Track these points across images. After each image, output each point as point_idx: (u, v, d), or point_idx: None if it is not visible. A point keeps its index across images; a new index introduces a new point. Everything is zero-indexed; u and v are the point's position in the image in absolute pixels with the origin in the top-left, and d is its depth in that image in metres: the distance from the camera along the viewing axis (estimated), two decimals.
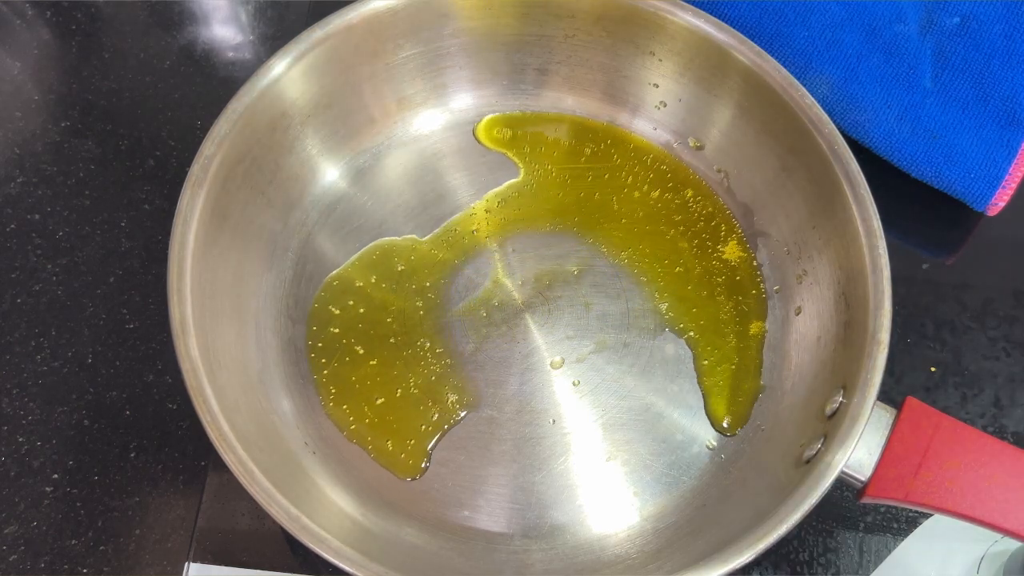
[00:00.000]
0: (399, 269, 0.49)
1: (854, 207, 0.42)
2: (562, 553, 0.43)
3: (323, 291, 0.48)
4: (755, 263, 0.49)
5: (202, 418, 0.37)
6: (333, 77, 0.48)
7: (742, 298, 0.48)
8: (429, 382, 0.46)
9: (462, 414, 0.45)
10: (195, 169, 0.42)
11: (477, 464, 0.44)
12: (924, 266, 0.52)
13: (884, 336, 0.39)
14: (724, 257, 0.49)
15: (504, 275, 0.49)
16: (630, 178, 0.52)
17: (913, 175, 0.52)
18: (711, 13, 0.47)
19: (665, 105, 0.52)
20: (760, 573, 0.45)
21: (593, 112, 0.53)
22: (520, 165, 0.52)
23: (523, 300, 0.48)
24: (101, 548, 0.44)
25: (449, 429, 0.45)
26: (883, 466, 0.38)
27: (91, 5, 0.60)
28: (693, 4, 0.47)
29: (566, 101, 0.53)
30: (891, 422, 0.38)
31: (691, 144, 0.51)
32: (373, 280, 0.49)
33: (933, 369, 0.50)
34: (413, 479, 0.44)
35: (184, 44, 0.59)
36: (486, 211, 0.51)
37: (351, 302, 0.48)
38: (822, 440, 0.39)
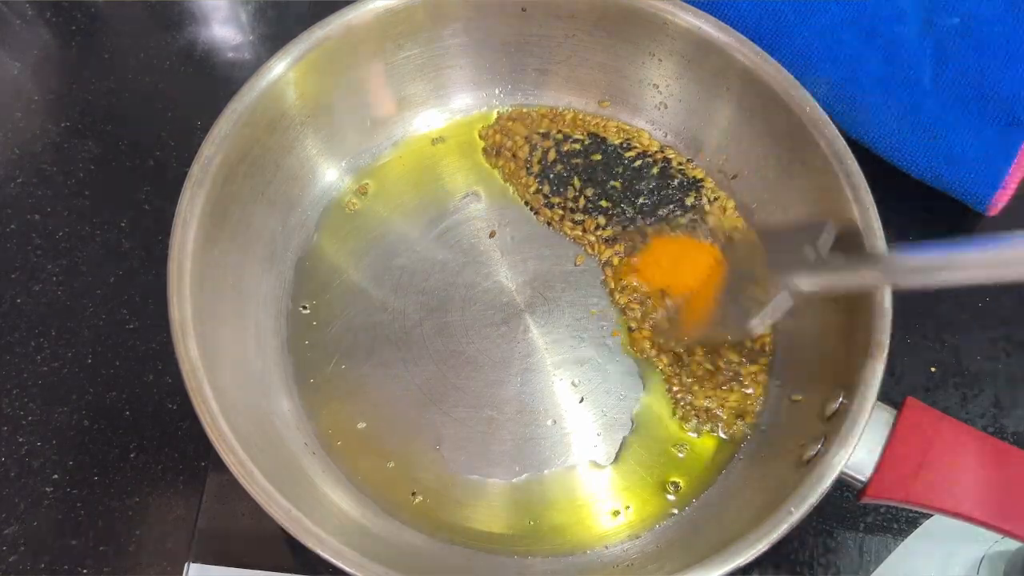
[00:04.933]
0: (399, 269, 0.49)
1: (854, 207, 0.42)
2: (562, 553, 0.43)
3: (323, 291, 0.48)
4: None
5: (202, 418, 0.37)
6: (333, 77, 0.48)
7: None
8: (429, 382, 0.46)
9: (462, 414, 0.45)
10: (195, 169, 0.42)
11: (477, 464, 0.44)
12: None
13: (884, 337, 0.39)
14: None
15: (504, 275, 0.49)
16: (630, 178, 0.52)
17: (913, 175, 0.52)
18: (711, 13, 0.47)
19: (666, 106, 0.52)
20: (760, 573, 0.45)
21: (593, 112, 0.53)
22: (520, 165, 0.52)
23: (523, 300, 0.48)
24: (101, 548, 0.44)
25: (449, 430, 0.45)
26: (883, 466, 0.38)
27: (91, 5, 0.60)
28: (693, 4, 0.47)
29: (566, 101, 0.53)
30: (891, 422, 0.38)
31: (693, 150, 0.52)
32: (373, 280, 0.49)
33: (933, 369, 0.50)
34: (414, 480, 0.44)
35: (184, 44, 0.59)
36: (486, 211, 0.51)
37: (351, 302, 0.48)
38: (822, 440, 0.39)
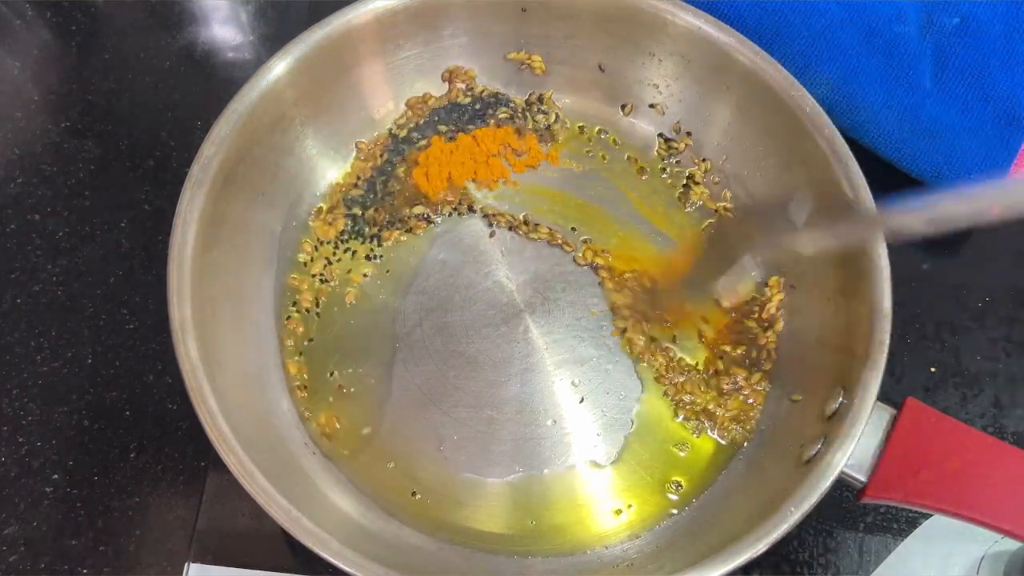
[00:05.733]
0: (400, 269, 0.49)
1: (855, 206, 0.42)
2: (562, 553, 0.43)
3: (324, 292, 0.48)
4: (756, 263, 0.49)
5: (202, 418, 0.37)
6: (333, 77, 0.48)
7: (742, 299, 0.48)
8: (429, 382, 0.46)
9: (462, 414, 0.45)
10: (195, 170, 0.42)
11: (477, 464, 0.44)
12: (924, 266, 0.52)
13: (884, 336, 0.39)
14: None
15: (504, 275, 0.49)
16: (630, 179, 0.52)
17: (913, 175, 0.52)
18: (711, 13, 0.47)
19: (666, 106, 0.52)
20: (760, 573, 0.45)
21: (593, 112, 0.53)
22: (521, 168, 0.52)
23: (523, 300, 0.48)
24: (101, 548, 0.44)
25: (449, 430, 0.45)
26: (883, 466, 0.38)
27: (91, 5, 0.60)
28: (693, 4, 0.47)
29: (566, 101, 0.53)
30: (891, 422, 0.38)
31: (693, 150, 0.52)
32: (374, 280, 0.49)
33: (933, 369, 0.50)
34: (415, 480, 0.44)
35: (184, 44, 0.59)
36: (487, 212, 0.50)
37: (352, 303, 0.48)
38: (822, 440, 0.39)
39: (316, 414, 0.45)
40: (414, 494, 0.44)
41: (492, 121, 0.52)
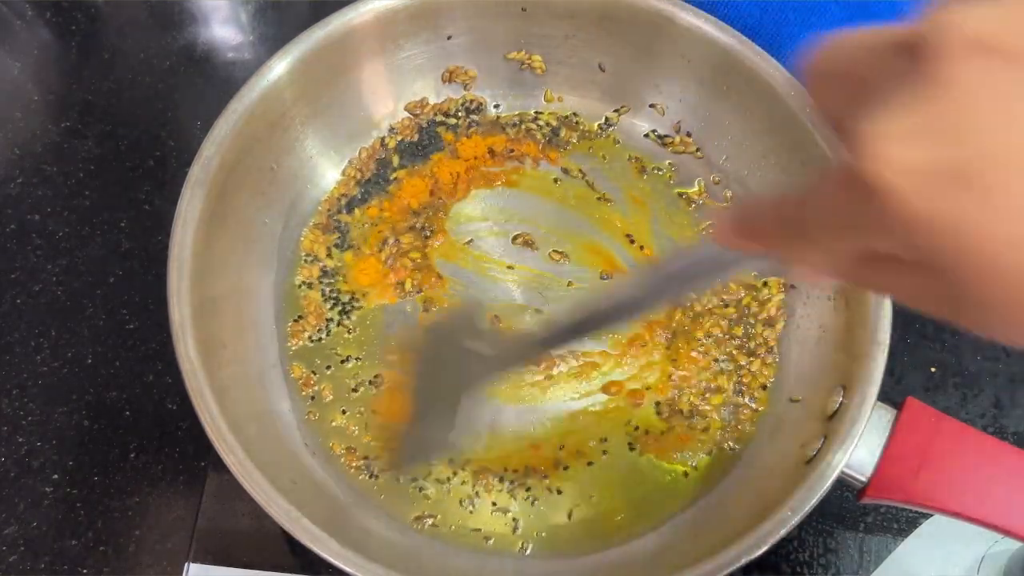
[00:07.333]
0: (402, 270, 0.49)
1: None
2: (562, 555, 0.43)
3: (324, 292, 0.48)
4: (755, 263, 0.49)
5: (202, 418, 0.37)
6: (333, 77, 0.48)
7: (743, 299, 0.48)
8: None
9: (463, 414, 0.45)
10: (195, 169, 0.42)
11: (478, 465, 0.44)
12: None
13: (884, 336, 0.39)
14: None
15: (505, 275, 0.49)
16: (630, 179, 0.52)
17: None
18: (711, 13, 0.47)
19: (666, 105, 0.52)
20: (760, 573, 0.45)
21: (593, 112, 0.53)
22: (521, 166, 0.52)
23: (523, 300, 0.48)
24: (101, 548, 0.44)
25: (451, 431, 0.45)
26: (883, 466, 0.38)
27: (91, 5, 0.60)
28: (693, 5, 0.47)
29: (566, 101, 0.53)
30: (891, 422, 0.38)
31: (693, 150, 0.51)
32: (375, 282, 0.49)
33: (933, 369, 0.50)
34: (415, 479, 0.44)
35: (184, 44, 0.59)
36: (488, 212, 0.51)
37: (352, 304, 0.48)
38: (822, 440, 0.39)
39: (321, 419, 0.45)
40: (414, 495, 0.44)
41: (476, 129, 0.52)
